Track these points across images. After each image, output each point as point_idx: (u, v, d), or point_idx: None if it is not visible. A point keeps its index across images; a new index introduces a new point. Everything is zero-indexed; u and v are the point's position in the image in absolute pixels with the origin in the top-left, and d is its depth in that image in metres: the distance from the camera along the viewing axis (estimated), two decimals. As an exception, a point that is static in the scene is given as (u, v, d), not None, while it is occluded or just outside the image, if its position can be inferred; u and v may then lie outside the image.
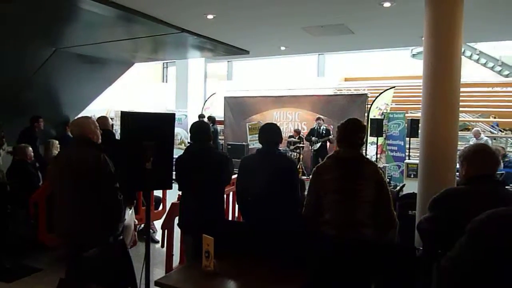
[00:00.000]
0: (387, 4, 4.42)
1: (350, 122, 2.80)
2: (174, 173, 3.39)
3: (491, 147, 2.28)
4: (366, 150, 9.37)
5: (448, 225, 2.02)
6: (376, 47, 7.45)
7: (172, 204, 3.96)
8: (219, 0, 4.37)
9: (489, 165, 2.10)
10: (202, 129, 3.40)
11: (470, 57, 18.32)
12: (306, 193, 2.89)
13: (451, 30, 4.02)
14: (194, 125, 3.51)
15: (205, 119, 11.66)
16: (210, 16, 4.93)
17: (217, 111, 13.79)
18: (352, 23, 5.22)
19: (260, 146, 3.26)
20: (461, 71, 4.10)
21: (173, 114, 3.38)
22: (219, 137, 12.37)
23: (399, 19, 4.88)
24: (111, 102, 19.55)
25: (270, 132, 3.20)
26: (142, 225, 5.13)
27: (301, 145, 10.58)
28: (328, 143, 9.94)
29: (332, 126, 10.63)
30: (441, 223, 2.07)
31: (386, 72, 18.22)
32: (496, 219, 1.40)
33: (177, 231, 3.73)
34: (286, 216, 2.98)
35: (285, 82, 16.55)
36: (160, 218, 5.46)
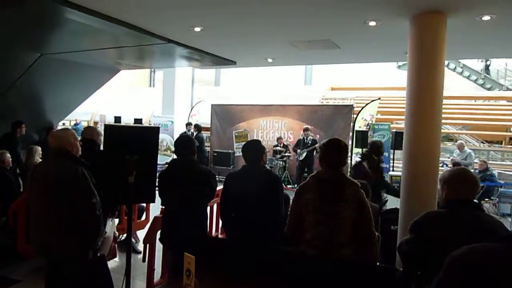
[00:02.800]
0: (372, 23, 4.50)
1: (330, 143, 2.83)
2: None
3: (470, 171, 2.33)
4: (351, 160, 9.46)
5: (428, 249, 2.05)
6: (361, 61, 7.55)
7: (155, 218, 3.93)
8: (206, 14, 4.37)
9: (469, 189, 2.14)
10: (186, 144, 3.40)
11: (454, 70, 18.72)
12: (289, 210, 2.90)
13: (434, 47, 4.11)
14: (179, 139, 3.52)
15: (192, 128, 11.63)
16: (197, 29, 4.93)
17: (204, 117, 13.76)
18: (338, 39, 5.29)
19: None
20: (443, 86, 4.19)
21: (157, 128, 3.36)
22: (206, 144, 12.34)
23: (384, 36, 4.96)
24: (96, 106, 19.41)
25: (253, 151, 3.22)
26: (124, 235, 5.06)
27: (286, 154, 10.64)
28: (314, 152, 10.00)
29: (318, 136, 10.71)
30: (421, 246, 2.09)
31: (372, 83, 18.45)
32: (474, 256, 1.34)
33: (159, 245, 3.70)
34: (268, 233, 2.98)
35: (272, 90, 16.64)
36: (143, 228, 5.41)
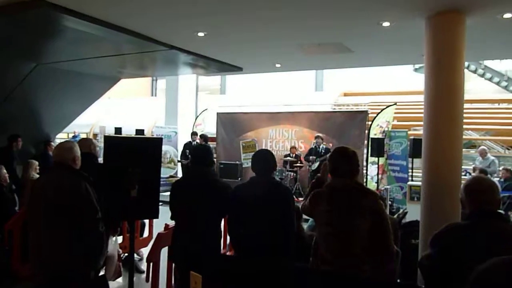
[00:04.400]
0: (386, 24, 4.52)
1: (336, 152, 2.85)
2: (165, 198, 3.38)
3: (486, 177, 2.31)
4: (366, 170, 9.40)
5: (450, 264, 2.03)
6: (375, 65, 7.57)
7: (159, 234, 3.93)
8: (210, 18, 4.43)
9: (489, 198, 2.13)
10: (204, 153, 3.43)
11: (475, 72, 18.60)
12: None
13: (452, 48, 4.12)
14: (196, 149, 3.61)
15: (197, 137, 11.67)
16: (201, 34, 4.99)
17: (209, 127, 13.81)
18: (350, 41, 5.31)
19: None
20: (463, 89, 4.18)
21: (160, 139, 3.40)
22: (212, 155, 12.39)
23: (399, 37, 4.98)
24: (96, 118, 19.64)
25: (263, 160, 3.21)
26: (126, 254, 5.07)
27: (298, 164, 10.61)
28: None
29: (331, 144, 10.69)
30: (442, 261, 2.07)
31: (388, 87, 18.41)
32: (503, 268, 1.31)
33: (163, 264, 3.70)
34: (280, 250, 2.97)
35: (281, 97, 16.66)
36: (146, 246, 5.41)
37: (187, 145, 11.30)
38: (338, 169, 2.76)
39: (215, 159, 12.40)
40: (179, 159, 11.78)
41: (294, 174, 10.70)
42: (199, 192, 3.26)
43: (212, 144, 12.87)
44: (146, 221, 5.63)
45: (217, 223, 3.37)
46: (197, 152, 3.47)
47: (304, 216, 3.63)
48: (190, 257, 3.06)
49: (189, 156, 7.75)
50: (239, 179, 11.23)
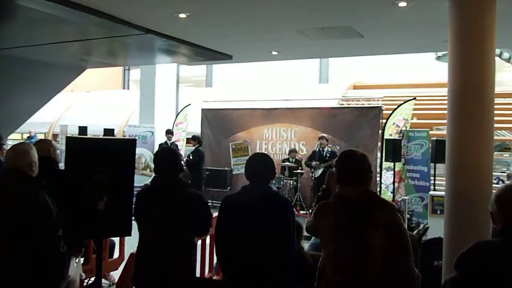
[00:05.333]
0: (402, 4, 4.55)
1: (344, 156, 2.88)
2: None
3: None
4: (380, 178, 9.44)
5: (479, 289, 2.05)
6: (390, 52, 7.62)
7: (131, 255, 3.93)
8: (193, -4, 4.44)
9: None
10: (168, 158, 3.42)
11: (508, 60, 18.75)
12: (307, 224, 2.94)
13: (481, 33, 4.15)
14: (158, 154, 3.58)
15: (172, 137, 11.59)
16: (182, 15, 4.99)
17: (193, 126, 13.80)
18: (360, 25, 5.34)
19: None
20: (494, 81, 4.21)
21: (134, 140, 3.40)
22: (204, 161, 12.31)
23: (418, 20, 5.01)
24: (56, 115, 19.60)
25: (259, 166, 3.22)
26: (93, 278, 5.05)
27: (298, 171, 10.63)
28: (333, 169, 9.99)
29: (338, 147, 10.71)
30: (470, 285, 2.08)
31: (405, 79, 18.51)
32: None
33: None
34: (277, 273, 2.98)
35: (279, 90, 16.70)
36: (117, 269, 5.40)
37: (160, 146, 11.26)
38: (346, 176, 2.77)
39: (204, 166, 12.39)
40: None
41: (294, 183, 10.73)
42: (166, 206, 3.26)
43: (192, 147, 12.89)
44: (116, 239, 5.61)
45: (190, 242, 3.38)
46: (162, 157, 3.47)
47: (305, 233, 3.64)
48: (156, 283, 3.06)
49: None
50: (229, 188, 11.24)
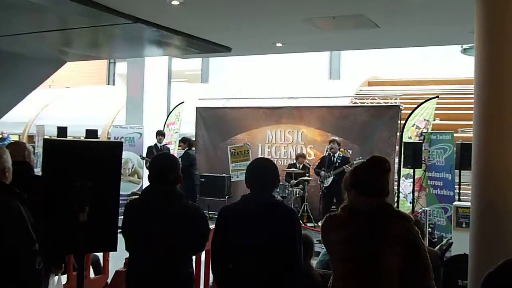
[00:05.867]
0: (423, -12, 4.56)
1: (368, 162, 2.88)
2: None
3: None
4: (398, 186, 9.44)
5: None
6: (409, 45, 7.63)
7: (116, 272, 3.95)
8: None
9: None
10: (169, 165, 3.43)
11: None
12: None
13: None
14: (158, 158, 3.56)
15: (163, 139, 11.61)
16: (175, 2, 5.02)
17: (186, 127, 13.82)
18: (375, 14, 5.35)
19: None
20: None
21: (119, 143, 3.40)
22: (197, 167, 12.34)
23: (441, 8, 5.02)
24: (32, 113, 19.64)
25: (262, 172, 3.23)
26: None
27: (306, 178, 10.63)
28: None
29: (350, 151, 10.71)
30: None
31: (427, 74, 18.49)
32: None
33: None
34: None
35: (284, 87, 16.69)
36: (100, 288, 5.42)
37: (150, 151, 11.29)
38: (365, 184, 2.78)
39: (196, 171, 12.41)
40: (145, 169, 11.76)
41: (301, 191, 10.74)
42: (159, 220, 3.27)
43: (190, 151, 12.87)
44: (100, 255, 5.63)
45: (186, 262, 3.40)
46: (160, 164, 3.47)
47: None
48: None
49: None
50: (227, 198, 11.23)
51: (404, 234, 2.64)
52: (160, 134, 11.74)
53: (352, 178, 2.84)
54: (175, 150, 12.86)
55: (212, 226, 3.43)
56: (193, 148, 12.04)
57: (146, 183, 11.35)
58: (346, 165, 9.55)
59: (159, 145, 11.49)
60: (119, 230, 3.34)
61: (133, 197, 7.06)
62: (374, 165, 2.84)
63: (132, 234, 3.40)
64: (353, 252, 2.67)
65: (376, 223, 2.68)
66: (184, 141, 11.64)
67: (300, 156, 11.02)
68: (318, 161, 10.51)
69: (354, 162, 8.98)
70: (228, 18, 5.63)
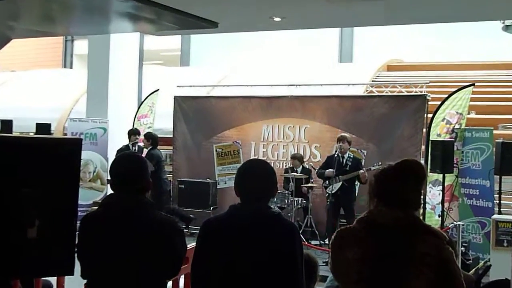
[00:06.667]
0: None
1: (401, 165, 2.86)
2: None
3: None
4: (425, 195, 9.46)
5: None
6: (438, 20, 7.61)
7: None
8: None
9: None
10: (135, 171, 3.42)
11: None
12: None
13: None
14: (119, 161, 3.55)
15: (140, 139, 11.62)
16: (148, -36, 5.00)
17: (162, 120, 13.80)
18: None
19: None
20: None
21: (78, 140, 3.38)
22: (165, 169, 12.33)
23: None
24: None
25: (255, 177, 3.22)
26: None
27: (309, 185, 10.60)
28: (358, 183, 9.94)
29: (365, 152, 10.71)
30: None
31: (460, 56, 18.53)
32: None
33: None
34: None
35: (283, 72, 16.69)
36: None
37: (120, 152, 11.23)
38: (391, 194, 2.79)
39: (170, 175, 12.38)
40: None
41: (304, 201, 10.74)
42: (124, 238, 3.25)
43: (166, 150, 12.82)
44: (53, 280, 5.61)
45: (159, 287, 3.40)
46: (120, 168, 3.46)
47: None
48: None
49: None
50: (212, 208, 11.26)
51: (435, 255, 2.65)
52: (134, 133, 11.71)
53: (376, 185, 2.85)
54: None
55: (192, 245, 3.42)
56: (159, 147, 11.93)
57: (110, 190, 11.37)
58: (361, 170, 9.48)
59: (132, 147, 11.43)
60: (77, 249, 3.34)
61: (95, 208, 7.04)
62: (406, 171, 2.83)
63: (89, 256, 3.37)
64: (371, 275, 2.69)
65: (401, 240, 2.69)
66: (148, 138, 11.54)
67: (296, 158, 11.00)
68: (324, 162, 10.42)
69: (372, 168, 8.97)
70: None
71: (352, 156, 10.09)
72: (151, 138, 11.60)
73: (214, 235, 3.22)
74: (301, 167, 10.91)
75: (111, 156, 11.85)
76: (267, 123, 11.90)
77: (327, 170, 9.97)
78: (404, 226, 2.73)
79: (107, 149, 12.24)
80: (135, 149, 11.35)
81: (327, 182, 10.07)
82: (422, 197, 2.88)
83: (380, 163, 8.96)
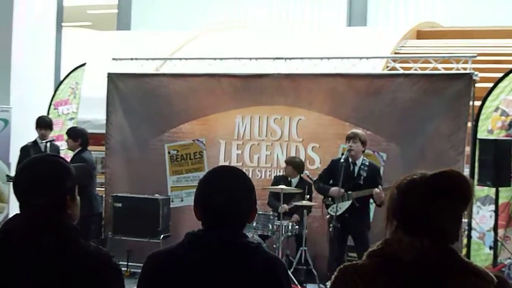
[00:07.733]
0: None
1: (436, 179, 2.82)
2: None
3: None
4: (469, 219, 9.49)
5: None
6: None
7: None
8: None
9: None
10: (47, 179, 3.35)
11: None
12: None
13: None
14: (28, 166, 3.48)
15: (48, 134, 11.59)
16: None
17: (90, 109, 13.80)
18: None
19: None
20: None
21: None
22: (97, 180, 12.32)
23: None
24: None
25: (226, 193, 3.19)
26: None
27: (305, 203, 10.59)
28: (372, 201, 9.91)
29: (384, 156, 10.73)
30: None
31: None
32: None
33: None
34: None
35: (267, 41, 16.77)
36: None
37: (26, 153, 11.12)
38: (415, 218, 2.77)
39: (102, 189, 12.38)
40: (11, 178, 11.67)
41: (297, 226, 10.75)
42: (38, 282, 3.18)
43: (97, 153, 12.88)
44: None
45: None
46: (33, 175, 3.37)
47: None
48: None
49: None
50: (162, 237, 11.30)
51: None
52: (43, 125, 11.64)
53: (398, 203, 2.84)
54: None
55: (133, 288, 3.41)
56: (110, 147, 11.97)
57: (15, 210, 11.43)
58: (377, 189, 9.35)
59: (41, 143, 11.36)
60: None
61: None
62: (442, 189, 2.80)
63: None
64: None
65: (427, 283, 2.69)
66: (75, 135, 11.38)
67: (291, 164, 11.05)
68: (326, 168, 10.41)
69: (399, 182, 8.86)
70: None
71: (367, 163, 10.06)
72: (80, 136, 11.33)
73: (163, 275, 3.22)
74: (298, 177, 10.96)
75: (14, 156, 11.84)
76: (243, 113, 11.95)
77: (331, 189, 9.93)
78: (433, 264, 2.73)
79: (8, 151, 12.24)
80: (47, 149, 11.15)
81: (329, 198, 10.08)
82: (464, 222, 2.85)
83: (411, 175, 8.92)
